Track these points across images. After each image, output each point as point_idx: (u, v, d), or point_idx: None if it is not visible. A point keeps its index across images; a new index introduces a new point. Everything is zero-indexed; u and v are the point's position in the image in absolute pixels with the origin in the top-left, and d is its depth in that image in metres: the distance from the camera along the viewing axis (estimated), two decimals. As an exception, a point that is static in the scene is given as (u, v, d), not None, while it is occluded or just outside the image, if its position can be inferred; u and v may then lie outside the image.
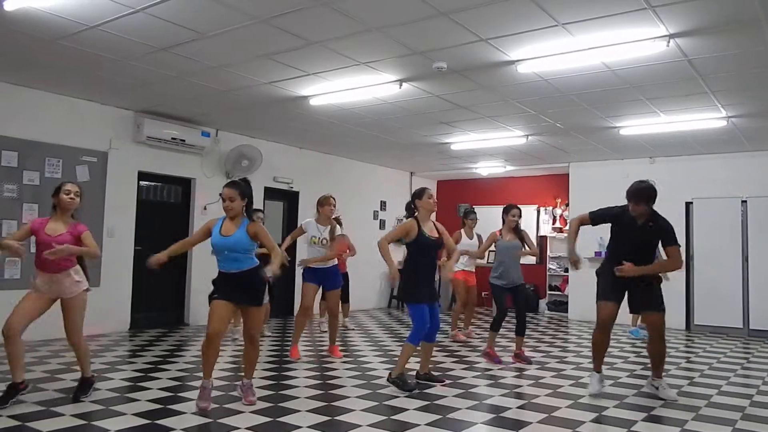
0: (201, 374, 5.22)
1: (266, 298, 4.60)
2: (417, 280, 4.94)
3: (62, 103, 7.08)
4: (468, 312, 8.16)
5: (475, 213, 8.18)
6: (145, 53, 5.48)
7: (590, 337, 8.10)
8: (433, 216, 5.33)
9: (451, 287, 11.22)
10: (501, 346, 7.09)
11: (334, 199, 6.32)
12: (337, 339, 6.57)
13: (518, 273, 6.35)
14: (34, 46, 5.38)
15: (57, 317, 4.34)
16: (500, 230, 6.49)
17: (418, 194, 5.09)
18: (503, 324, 6.41)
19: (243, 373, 4.56)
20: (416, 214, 5.08)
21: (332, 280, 6.28)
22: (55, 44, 5.28)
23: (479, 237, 7.90)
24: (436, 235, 5.03)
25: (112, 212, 7.53)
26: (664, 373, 5.02)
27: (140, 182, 7.98)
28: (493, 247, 6.66)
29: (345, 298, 7.98)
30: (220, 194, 4.41)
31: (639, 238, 4.91)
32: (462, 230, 7.93)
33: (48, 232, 4.26)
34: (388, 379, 4.99)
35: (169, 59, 5.62)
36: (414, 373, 5.27)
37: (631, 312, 5.15)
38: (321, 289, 6.30)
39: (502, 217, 6.51)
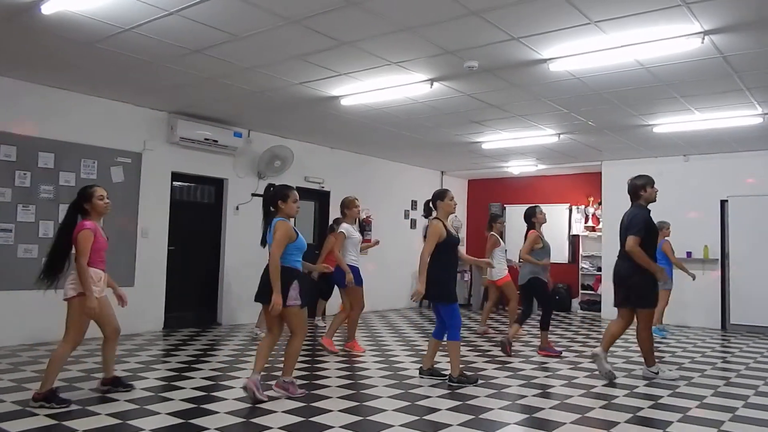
0: (234, 373, 5.32)
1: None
2: (449, 279, 5.06)
3: (97, 104, 7.22)
4: (489, 311, 8.47)
5: (503, 216, 8.64)
6: (178, 55, 5.57)
7: (624, 336, 8.04)
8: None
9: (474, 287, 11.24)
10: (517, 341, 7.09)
11: (358, 199, 6.72)
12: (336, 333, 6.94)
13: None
14: (70, 49, 5.50)
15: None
16: (534, 231, 6.72)
17: (441, 195, 5.24)
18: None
19: (283, 372, 4.67)
20: (435, 214, 5.23)
21: (360, 278, 6.66)
22: (91, 47, 5.39)
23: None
24: (456, 233, 5.25)
25: (146, 213, 7.66)
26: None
27: (173, 183, 8.10)
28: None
29: (325, 296, 7.92)
30: (286, 194, 4.61)
31: (654, 226, 5.52)
32: (496, 234, 8.21)
33: (102, 236, 4.44)
34: (450, 382, 5.08)
35: (202, 61, 5.71)
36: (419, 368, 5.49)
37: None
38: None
39: (531, 219, 6.77)
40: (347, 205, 6.66)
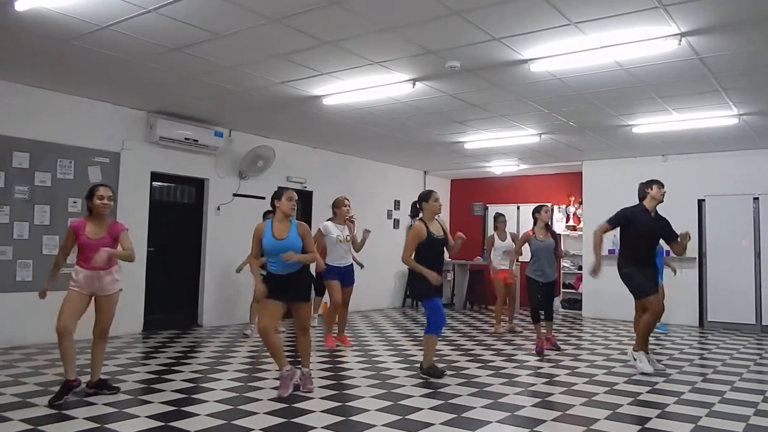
0: (216, 375, 5.29)
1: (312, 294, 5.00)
2: (438, 283, 5.23)
3: (74, 103, 7.08)
4: (510, 307, 8.67)
5: (504, 215, 8.74)
6: (157, 53, 5.50)
7: (605, 334, 8.19)
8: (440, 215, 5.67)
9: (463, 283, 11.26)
10: (524, 336, 7.25)
11: (348, 200, 6.88)
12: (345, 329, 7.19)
13: (551, 269, 6.90)
14: (46, 47, 5.40)
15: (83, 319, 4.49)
16: (533, 231, 7.02)
17: (425, 197, 5.39)
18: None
19: (300, 365, 4.90)
20: (421, 215, 5.39)
21: (349, 277, 6.84)
22: (67, 45, 5.30)
23: (513, 236, 8.60)
24: (442, 234, 5.36)
25: (125, 213, 7.45)
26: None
27: (153, 183, 7.99)
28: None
29: (319, 293, 7.92)
30: (280, 193, 4.77)
31: (653, 231, 5.79)
32: (495, 233, 8.57)
33: (89, 236, 4.44)
34: (420, 371, 5.34)
35: (182, 59, 5.64)
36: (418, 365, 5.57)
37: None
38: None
39: (534, 215, 7.07)
40: (336, 204, 6.87)
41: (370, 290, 10.55)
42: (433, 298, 5.28)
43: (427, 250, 5.25)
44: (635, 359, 5.73)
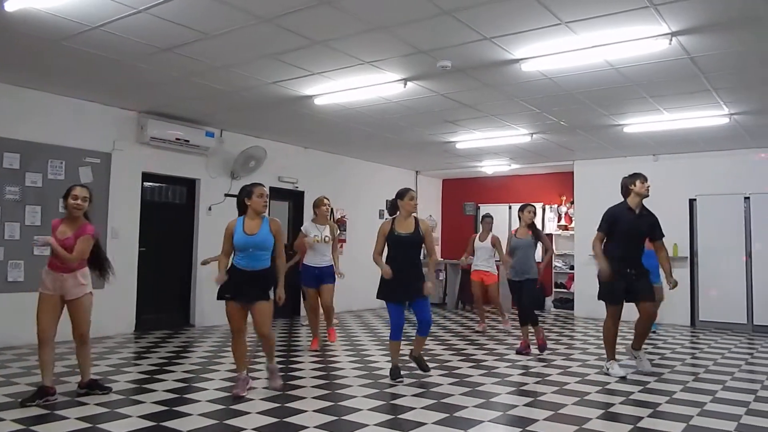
0: (208, 375, 5.28)
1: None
2: (388, 277, 5.18)
3: (65, 104, 7.05)
4: (498, 308, 8.82)
5: (491, 217, 8.80)
6: (148, 54, 5.48)
7: (597, 334, 8.22)
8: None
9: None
10: (516, 336, 7.39)
11: (327, 199, 6.96)
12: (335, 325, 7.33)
13: (526, 266, 6.71)
14: (36, 47, 5.37)
15: (64, 320, 4.45)
16: (515, 229, 7.05)
17: (400, 195, 5.36)
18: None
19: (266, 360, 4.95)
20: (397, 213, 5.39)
21: (327, 277, 6.79)
22: (58, 45, 5.27)
23: (494, 239, 8.58)
24: (412, 232, 5.24)
25: (116, 213, 7.51)
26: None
27: (144, 183, 7.96)
28: None
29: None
30: (250, 191, 4.67)
31: (636, 229, 5.58)
32: (477, 234, 8.81)
33: (58, 235, 4.40)
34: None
35: (173, 60, 5.62)
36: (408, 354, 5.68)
37: (627, 302, 5.59)
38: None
39: (519, 214, 7.01)
40: (316, 204, 6.94)
41: (361, 290, 10.47)
42: (388, 302, 5.26)
43: (392, 249, 5.29)
44: (608, 368, 5.60)
